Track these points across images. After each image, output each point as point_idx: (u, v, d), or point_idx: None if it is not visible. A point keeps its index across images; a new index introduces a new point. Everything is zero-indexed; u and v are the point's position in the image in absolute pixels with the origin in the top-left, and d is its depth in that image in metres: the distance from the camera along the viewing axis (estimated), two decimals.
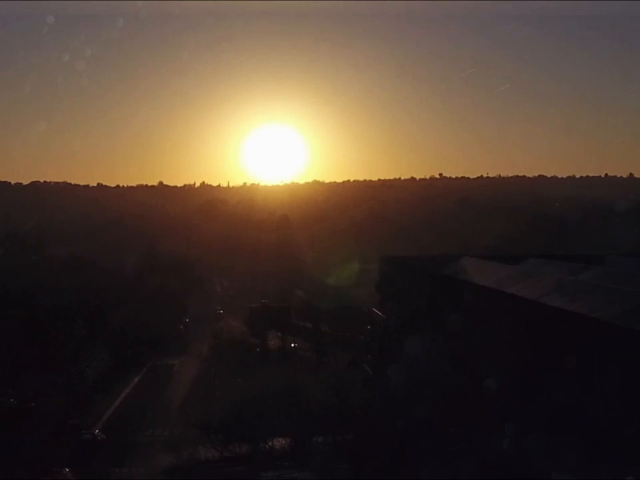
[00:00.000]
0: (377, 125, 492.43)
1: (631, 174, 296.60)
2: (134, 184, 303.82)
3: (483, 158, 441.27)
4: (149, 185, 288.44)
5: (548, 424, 29.53)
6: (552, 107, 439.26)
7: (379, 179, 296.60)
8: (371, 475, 35.45)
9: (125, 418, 52.73)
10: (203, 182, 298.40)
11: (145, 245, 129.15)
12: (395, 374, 42.04)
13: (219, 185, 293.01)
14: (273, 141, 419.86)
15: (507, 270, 46.73)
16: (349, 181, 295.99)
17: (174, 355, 74.78)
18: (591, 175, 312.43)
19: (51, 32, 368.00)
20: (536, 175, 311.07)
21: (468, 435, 33.08)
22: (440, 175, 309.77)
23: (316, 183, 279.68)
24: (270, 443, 43.55)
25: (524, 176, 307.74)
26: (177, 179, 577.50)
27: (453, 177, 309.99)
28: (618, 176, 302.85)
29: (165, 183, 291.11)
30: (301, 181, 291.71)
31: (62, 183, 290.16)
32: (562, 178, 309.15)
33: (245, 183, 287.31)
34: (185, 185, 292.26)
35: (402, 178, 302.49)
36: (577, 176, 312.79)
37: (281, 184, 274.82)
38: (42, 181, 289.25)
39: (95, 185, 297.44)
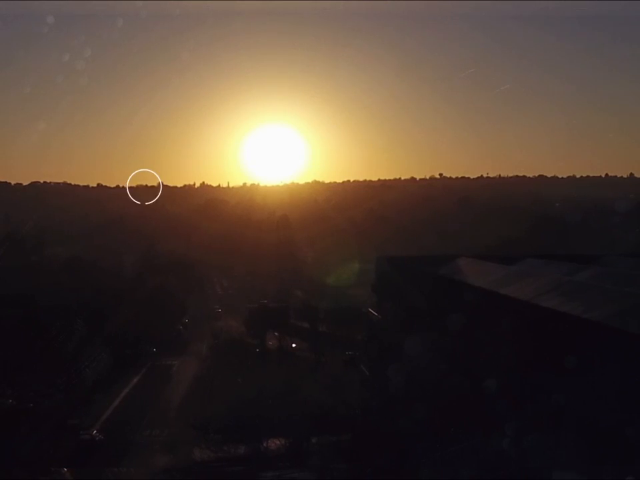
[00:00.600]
0: (377, 125, 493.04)
1: (631, 174, 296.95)
2: (134, 184, 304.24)
3: (482, 158, 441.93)
4: (149, 185, 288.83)
5: (548, 424, 29.47)
6: (552, 106, 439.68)
7: (379, 179, 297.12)
8: (370, 475, 35.42)
9: (124, 418, 52.67)
10: (203, 182, 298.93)
11: (144, 245, 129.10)
12: (391, 374, 42.03)
13: (219, 185, 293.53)
14: (273, 141, 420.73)
15: (503, 270, 46.64)
16: (348, 181, 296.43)
17: (173, 355, 74.80)
18: (591, 174, 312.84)
19: (50, 32, 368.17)
20: (536, 175, 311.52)
21: (468, 435, 33.02)
22: (440, 174, 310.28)
23: (316, 183, 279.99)
24: (265, 444, 43.64)
25: (524, 176, 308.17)
26: (176, 179, 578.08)
27: (453, 176, 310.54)
28: (618, 176, 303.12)
29: (164, 183, 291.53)
30: (301, 181, 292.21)
31: (62, 183, 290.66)
32: (562, 178, 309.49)
33: (244, 183, 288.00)
34: (184, 185, 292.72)
35: (402, 178, 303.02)
36: (577, 176, 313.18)
37: (281, 184, 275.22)
38: (42, 181, 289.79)
39: (95, 185, 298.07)
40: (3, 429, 39.43)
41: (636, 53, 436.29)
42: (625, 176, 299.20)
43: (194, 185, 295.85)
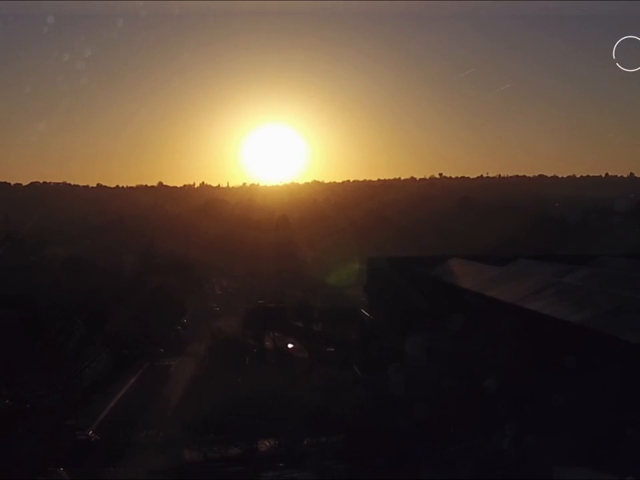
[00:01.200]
0: (376, 125, 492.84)
1: (631, 174, 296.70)
2: (133, 184, 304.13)
3: (482, 158, 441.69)
4: (149, 185, 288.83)
5: (548, 424, 29.37)
6: (552, 106, 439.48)
7: (379, 179, 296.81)
8: (369, 475, 35.35)
9: (121, 418, 52.65)
10: (203, 182, 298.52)
11: (144, 246, 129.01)
12: (383, 375, 41.96)
13: (219, 186, 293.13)
14: (273, 141, 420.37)
15: (492, 272, 46.55)
16: (348, 181, 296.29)
17: (171, 356, 74.80)
18: (591, 174, 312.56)
19: (50, 32, 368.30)
20: (536, 175, 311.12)
21: (468, 435, 32.93)
22: (440, 175, 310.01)
23: (316, 183, 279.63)
24: (260, 444, 43.69)
25: (524, 176, 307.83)
26: (176, 179, 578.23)
27: (453, 176, 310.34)
28: (618, 176, 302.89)
29: (164, 183, 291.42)
30: (301, 181, 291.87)
31: (61, 183, 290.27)
32: (562, 178, 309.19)
33: (244, 183, 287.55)
34: (184, 186, 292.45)
35: (402, 178, 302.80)
36: (577, 176, 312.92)
37: (281, 184, 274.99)
38: (41, 181, 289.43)
39: (95, 185, 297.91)
40: None
41: (636, 53, 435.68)
42: (625, 176, 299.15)
43: (194, 185, 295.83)
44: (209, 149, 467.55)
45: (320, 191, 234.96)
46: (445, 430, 33.68)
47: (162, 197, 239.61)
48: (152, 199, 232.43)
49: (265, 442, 43.79)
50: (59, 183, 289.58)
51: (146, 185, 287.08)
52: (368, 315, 60.71)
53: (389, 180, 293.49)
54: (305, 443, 43.72)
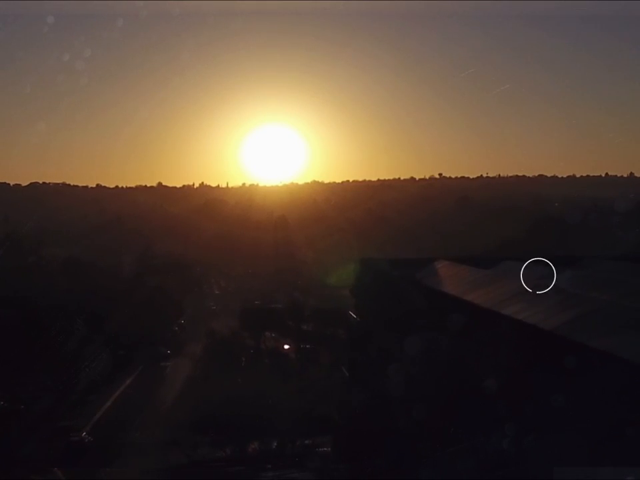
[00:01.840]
0: (376, 125, 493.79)
1: (631, 173, 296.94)
2: (133, 185, 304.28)
3: (482, 158, 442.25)
4: (148, 185, 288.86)
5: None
6: (552, 106, 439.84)
7: (379, 179, 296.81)
8: (369, 475, 35.18)
9: (115, 420, 52.69)
10: (202, 182, 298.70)
11: (143, 246, 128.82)
12: (369, 377, 41.81)
13: (218, 186, 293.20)
14: (272, 141, 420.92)
15: (475, 274, 46.28)
16: (348, 181, 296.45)
17: (168, 357, 74.79)
18: (591, 174, 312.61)
19: (50, 32, 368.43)
20: (536, 175, 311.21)
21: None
22: (440, 175, 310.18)
23: (315, 183, 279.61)
24: (253, 445, 43.72)
25: (524, 176, 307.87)
26: (176, 179, 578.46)
27: (453, 176, 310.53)
28: (618, 175, 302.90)
29: (164, 183, 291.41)
30: (300, 182, 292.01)
31: (61, 184, 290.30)
32: (562, 178, 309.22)
33: (244, 184, 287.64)
34: (183, 186, 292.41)
35: (401, 178, 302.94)
36: (577, 176, 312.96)
37: (280, 184, 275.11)
38: (41, 182, 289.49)
39: (94, 185, 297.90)
40: None
41: (636, 53, 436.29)
42: (624, 176, 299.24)
43: (193, 185, 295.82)
44: (208, 149, 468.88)
45: (319, 191, 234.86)
46: (436, 429, 33.43)
47: (161, 197, 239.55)
48: (151, 199, 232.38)
49: (257, 443, 44.01)
50: (58, 184, 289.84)
51: (145, 186, 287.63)
52: (354, 316, 60.63)
53: (389, 180, 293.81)
54: (297, 444, 43.94)
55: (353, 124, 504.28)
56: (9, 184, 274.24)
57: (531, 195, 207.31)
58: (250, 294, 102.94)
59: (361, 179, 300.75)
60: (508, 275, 44.52)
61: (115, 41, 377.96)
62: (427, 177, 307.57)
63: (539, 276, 43.01)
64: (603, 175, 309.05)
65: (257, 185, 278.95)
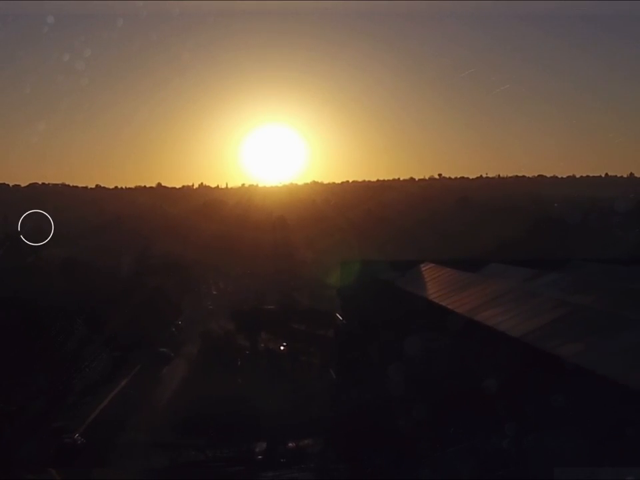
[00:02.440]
0: (376, 125, 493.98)
1: (631, 174, 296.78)
2: (132, 185, 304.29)
3: (482, 158, 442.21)
4: (147, 186, 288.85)
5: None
6: (552, 106, 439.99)
7: (378, 180, 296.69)
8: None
9: (109, 421, 52.68)
10: (202, 183, 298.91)
11: (141, 247, 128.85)
12: (354, 379, 41.68)
13: (218, 186, 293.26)
14: (272, 142, 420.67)
15: (457, 278, 45.83)
16: (347, 181, 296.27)
17: (165, 358, 74.70)
18: (591, 174, 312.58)
19: (50, 32, 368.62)
20: (535, 175, 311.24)
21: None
22: (439, 175, 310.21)
23: (315, 183, 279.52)
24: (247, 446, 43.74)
25: (523, 176, 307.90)
26: (175, 180, 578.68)
27: (452, 177, 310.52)
28: (618, 176, 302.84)
29: (163, 184, 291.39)
30: (300, 182, 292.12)
31: (60, 184, 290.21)
32: (562, 178, 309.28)
33: (243, 184, 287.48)
34: (183, 186, 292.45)
35: (401, 178, 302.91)
36: (577, 176, 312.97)
37: (280, 185, 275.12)
38: (40, 182, 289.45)
39: (94, 186, 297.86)
40: None
41: (636, 53, 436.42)
42: (624, 176, 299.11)
43: (192, 185, 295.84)
44: (207, 149, 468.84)
45: (319, 191, 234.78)
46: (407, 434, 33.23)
47: (161, 197, 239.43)
48: (151, 199, 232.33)
49: (251, 444, 44.06)
50: (57, 184, 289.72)
51: (145, 186, 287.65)
52: (341, 318, 60.50)
53: (388, 180, 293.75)
54: (282, 445, 44.09)
55: (353, 124, 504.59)
56: (8, 185, 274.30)
57: (531, 195, 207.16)
58: (248, 294, 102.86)
59: (360, 179, 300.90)
60: (490, 278, 44.13)
61: (114, 40, 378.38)
62: (427, 177, 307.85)
63: (521, 279, 42.71)
64: (603, 175, 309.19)
65: (257, 185, 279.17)
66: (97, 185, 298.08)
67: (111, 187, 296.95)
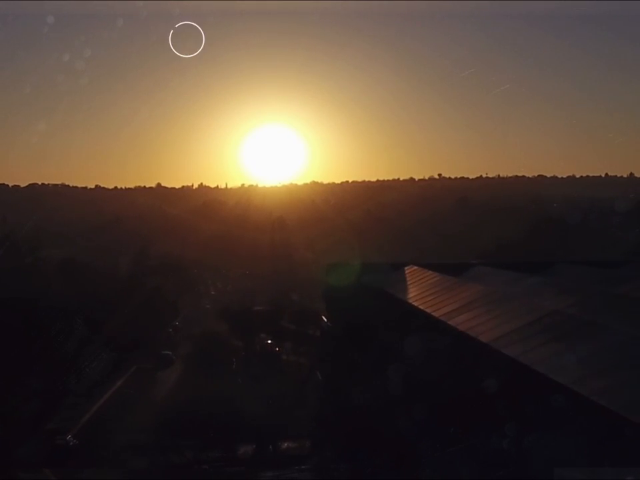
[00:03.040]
0: (375, 125, 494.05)
1: (631, 174, 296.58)
2: (132, 185, 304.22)
3: (482, 158, 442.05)
4: (147, 186, 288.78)
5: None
6: (552, 106, 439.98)
7: (378, 180, 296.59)
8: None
9: (103, 422, 52.62)
10: (201, 183, 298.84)
11: (140, 247, 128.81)
12: (340, 382, 41.57)
13: (217, 186, 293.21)
14: (272, 142, 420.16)
15: (438, 281, 45.74)
16: (347, 181, 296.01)
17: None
18: (590, 174, 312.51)
19: (50, 32, 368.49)
20: (535, 175, 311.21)
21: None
22: (439, 175, 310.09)
23: (314, 183, 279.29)
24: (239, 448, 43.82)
25: (523, 176, 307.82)
26: (175, 180, 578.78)
27: (452, 177, 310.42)
28: (618, 176, 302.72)
29: (162, 184, 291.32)
30: (300, 182, 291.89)
31: (60, 185, 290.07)
32: (561, 178, 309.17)
33: (243, 184, 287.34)
34: (182, 187, 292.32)
35: (401, 178, 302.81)
36: (577, 176, 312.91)
37: (280, 185, 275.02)
38: (40, 183, 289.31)
39: (93, 186, 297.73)
40: None
41: (636, 53, 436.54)
42: (624, 176, 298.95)
43: (192, 186, 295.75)
44: (207, 149, 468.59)
45: (319, 191, 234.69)
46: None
47: (160, 198, 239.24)
48: (150, 200, 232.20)
49: (243, 446, 44.15)
50: (57, 185, 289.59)
51: (144, 186, 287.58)
52: (326, 320, 60.41)
53: (388, 180, 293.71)
54: (272, 447, 44.14)
55: (353, 124, 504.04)
56: (7, 185, 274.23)
57: (531, 195, 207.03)
58: (246, 295, 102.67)
59: (360, 180, 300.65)
60: (470, 282, 44.04)
61: (114, 40, 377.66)
62: (427, 178, 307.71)
63: (500, 283, 42.60)
64: (603, 175, 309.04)
65: (256, 185, 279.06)
66: (96, 185, 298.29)
67: (111, 187, 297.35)
